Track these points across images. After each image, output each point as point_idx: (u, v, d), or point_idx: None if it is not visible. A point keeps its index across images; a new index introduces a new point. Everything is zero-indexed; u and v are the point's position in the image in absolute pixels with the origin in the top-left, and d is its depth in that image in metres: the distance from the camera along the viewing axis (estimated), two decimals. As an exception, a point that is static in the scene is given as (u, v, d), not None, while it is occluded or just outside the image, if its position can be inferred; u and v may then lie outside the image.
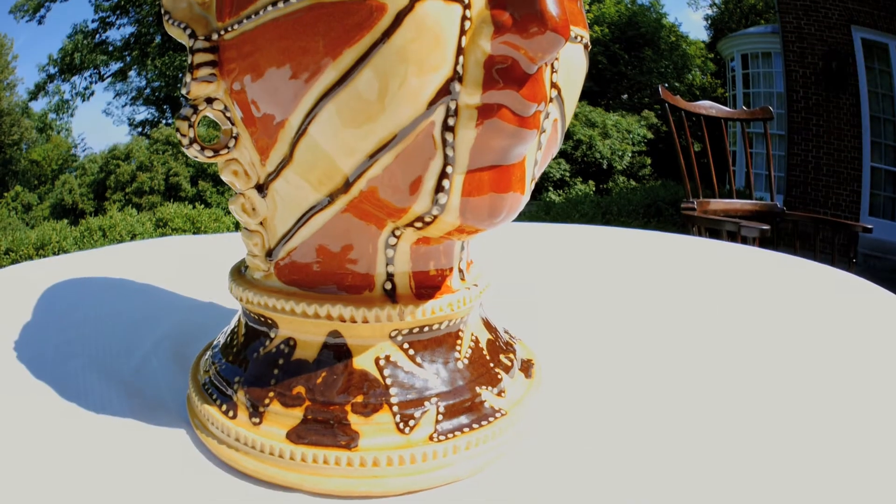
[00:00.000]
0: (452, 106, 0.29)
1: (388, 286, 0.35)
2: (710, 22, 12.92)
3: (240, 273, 0.39)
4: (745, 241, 1.63)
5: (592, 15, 10.94)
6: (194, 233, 4.83)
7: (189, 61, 0.33)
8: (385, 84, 0.28)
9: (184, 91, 0.33)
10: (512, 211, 0.32)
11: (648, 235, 1.05)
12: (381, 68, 0.27)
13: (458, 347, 0.36)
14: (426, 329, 0.35)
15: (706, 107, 2.09)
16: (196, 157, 0.34)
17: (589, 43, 0.36)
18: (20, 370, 0.45)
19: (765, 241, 2.14)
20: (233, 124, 0.34)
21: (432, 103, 0.28)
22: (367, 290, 0.35)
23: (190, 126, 0.34)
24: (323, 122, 0.29)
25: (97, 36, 12.47)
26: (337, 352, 0.34)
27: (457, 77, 0.28)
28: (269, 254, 0.36)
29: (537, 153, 0.33)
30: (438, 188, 0.30)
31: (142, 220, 5.00)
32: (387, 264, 0.34)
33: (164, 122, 12.37)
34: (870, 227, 2.00)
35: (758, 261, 0.88)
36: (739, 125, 2.18)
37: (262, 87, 0.31)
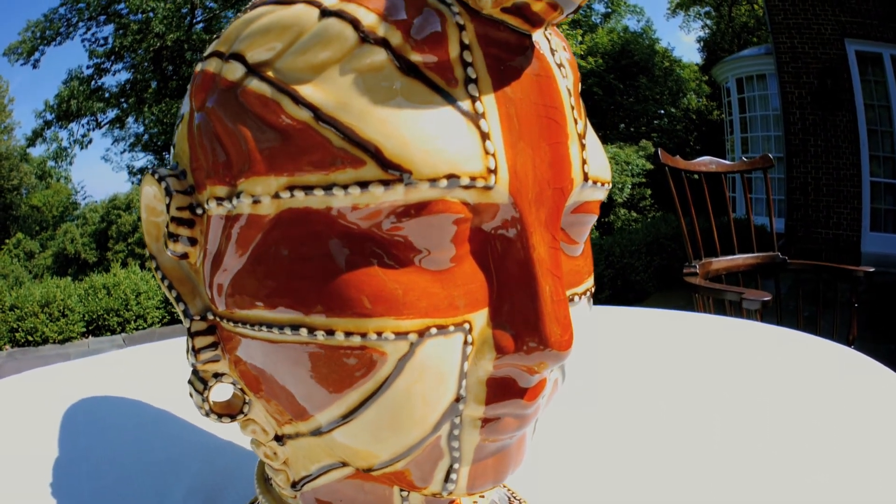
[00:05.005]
0: (457, 421, 0.29)
1: None
2: (702, 44, 13.06)
3: (267, 487, 0.40)
4: (748, 313, 1.61)
5: (585, 46, 11.01)
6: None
7: (189, 343, 0.32)
8: (391, 420, 0.28)
9: (190, 364, 0.33)
10: (515, 470, 0.33)
11: (653, 315, 1.07)
12: (386, 409, 0.28)
13: None
14: None
15: (706, 163, 2.08)
16: (216, 422, 0.35)
17: (593, 291, 0.35)
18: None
19: (766, 275, 2.14)
20: (244, 393, 0.34)
21: (438, 424, 0.29)
22: None
23: (204, 400, 0.34)
24: (334, 438, 0.30)
25: (93, 82, 12.55)
26: None
27: (461, 399, 0.29)
28: (294, 486, 0.37)
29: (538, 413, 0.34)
30: (447, 479, 0.31)
31: (146, 278, 5.03)
32: (402, 501, 0.36)
33: (163, 165, 12.42)
34: (871, 269, 2.01)
35: (766, 343, 0.91)
36: (739, 176, 2.17)
37: (267, 395, 0.31)
